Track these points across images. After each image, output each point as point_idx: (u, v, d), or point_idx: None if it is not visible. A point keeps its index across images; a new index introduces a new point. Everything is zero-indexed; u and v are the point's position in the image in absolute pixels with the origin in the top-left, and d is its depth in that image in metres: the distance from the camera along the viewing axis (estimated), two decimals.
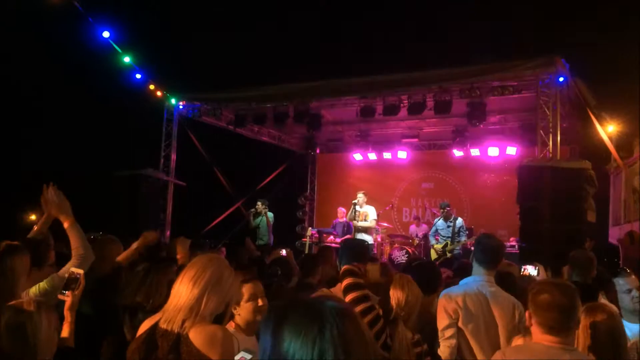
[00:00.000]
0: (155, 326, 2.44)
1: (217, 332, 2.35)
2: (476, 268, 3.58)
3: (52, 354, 2.17)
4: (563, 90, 9.27)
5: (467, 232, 10.32)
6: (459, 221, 10.16)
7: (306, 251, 11.16)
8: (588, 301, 2.64)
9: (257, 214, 11.42)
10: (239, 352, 2.68)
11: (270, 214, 11.46)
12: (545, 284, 2.51)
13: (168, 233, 12.06)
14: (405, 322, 3.16)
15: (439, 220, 10.54)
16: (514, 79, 9.49)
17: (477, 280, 3.52)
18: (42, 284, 2.97)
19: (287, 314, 1.21)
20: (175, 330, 2.35)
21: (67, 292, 2.82)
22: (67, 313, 2.81)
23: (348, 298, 2.92)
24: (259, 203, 11.46)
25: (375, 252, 10.76)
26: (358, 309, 2.84)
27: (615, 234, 10.45)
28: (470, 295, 3.42)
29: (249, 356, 2.76)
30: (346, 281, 2.96)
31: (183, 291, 2.42)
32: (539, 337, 2.44)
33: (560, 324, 2.37)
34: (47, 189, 3.35)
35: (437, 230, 10.45)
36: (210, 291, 2.42)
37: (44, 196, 3.35)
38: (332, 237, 11.35)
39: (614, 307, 3.05)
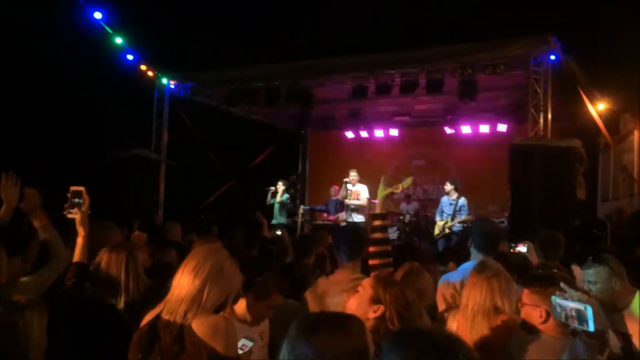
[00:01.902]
0: (157, 318, 2.44)
1: (219, 322, 2.36)
2: (474, 254, 3.60)
3: (42, 354, 2.14)
4: (554, 68, 9.29)
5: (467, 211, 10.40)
6: (462, 200, 10.22)
7: (298, 229, 11.17)
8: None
9: (275, 194, 11.20)
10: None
11: (285, 196, 11.24)
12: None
13: (161, 214, 12.07)
14: None
15: (443, 197, 10.63)
16: (506, 57, 9.46)
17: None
18: (25, 279, 2.92)
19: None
20: (178, 322, 2.35)
21: (74, 210, 2.94)
22: (79, 228, 2.94)
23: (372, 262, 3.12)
24: (280, 183, 11.23)
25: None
26: (377, 262, 3.08)
27: (603, 210, 10.59)
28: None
29: (250, 343, 2.81)
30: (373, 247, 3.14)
31: (184, 282, 2.42)
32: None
33: None
34: (5, 177, 3.19)
35: (442, 207, 10.53)
36: (212, 282, 2.41)
37: (2, 185, 3.16)
38: (325, 215, 11.39)
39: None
